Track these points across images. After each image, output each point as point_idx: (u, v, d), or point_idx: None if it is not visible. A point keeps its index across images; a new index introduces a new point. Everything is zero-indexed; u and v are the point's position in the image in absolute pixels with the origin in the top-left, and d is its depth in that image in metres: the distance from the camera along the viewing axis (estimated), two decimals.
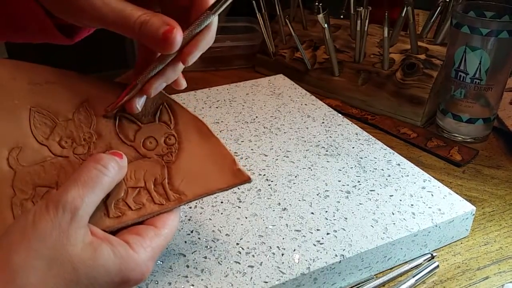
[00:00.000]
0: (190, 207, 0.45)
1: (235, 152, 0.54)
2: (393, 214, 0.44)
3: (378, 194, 0.47)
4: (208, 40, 0.34)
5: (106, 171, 0.31)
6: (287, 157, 0.53)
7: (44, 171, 0.33)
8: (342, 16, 0.82)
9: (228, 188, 0.34)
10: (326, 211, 0.44)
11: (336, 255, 0.39)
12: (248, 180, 0.34)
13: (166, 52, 0.31)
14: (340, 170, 0.51)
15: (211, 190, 0.34)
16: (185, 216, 0.44)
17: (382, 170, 0.51)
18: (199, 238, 0.41)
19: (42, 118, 0.34)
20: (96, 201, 0.30)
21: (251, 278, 0.37)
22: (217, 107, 0.64)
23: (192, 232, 0.42)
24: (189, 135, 0.35)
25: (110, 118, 0.35)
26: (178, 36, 0.31)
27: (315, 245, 0.40)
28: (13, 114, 0.33)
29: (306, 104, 0.65)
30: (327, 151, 0.54)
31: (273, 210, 0.44)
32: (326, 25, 0.69)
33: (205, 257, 0.39)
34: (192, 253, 0.40)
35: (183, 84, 0.37)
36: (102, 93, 0.35)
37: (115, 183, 0.32)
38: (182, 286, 0.36)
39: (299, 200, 0.46)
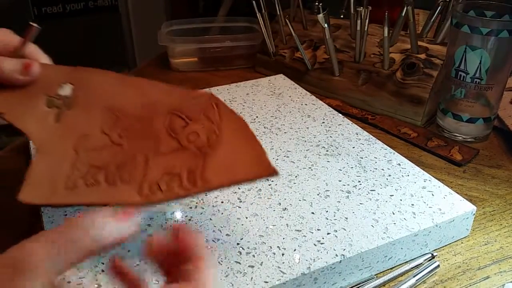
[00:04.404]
0: (191, 207, 0.45)
1: None
2: (393, 214, 0.44)
3: (378, 194, 0.47)
4: None
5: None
6: (287, 157, 0.53)
7: (100, 155, 0.38)
8: (342, 16, 0.82)
9: (253, 180, 0.36)
10: (327, 211, 0.44)
11: (336, 255, 0.39)
12: (274, 173, 0.36)
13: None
14: (341, 170, 0.51)
15: (237, 180, 0.36)
16: (186, 216, 0.44)
17: (383, 170, 0.51)
18: None
19: (111, 114, 0.40)
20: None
21: (252, 278, 0.37)
22: None
23: None
24: (229, 131, 0.38)
25: (165, 115, 0.40)
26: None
27: (315, 245, 0.40)
28: (90, 109, 0.40)
29: (306, 104, 0.65)
30: (327, 151, 0.54)
31: (274, 210, 0.44)
32: (326, 25, 0.69)
33: None
34: None
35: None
36: (163, 96, 0.40)
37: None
38: None
39: (299, 200, 0.46)
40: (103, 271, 0.38)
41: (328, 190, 0.47)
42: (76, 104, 0.41)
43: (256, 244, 0.40)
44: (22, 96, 0.42)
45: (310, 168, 0.51)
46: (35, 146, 0.39)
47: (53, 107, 0.41)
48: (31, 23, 0.41)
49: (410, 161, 0.52)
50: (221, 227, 0.42)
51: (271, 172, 0.36)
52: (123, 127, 0.40)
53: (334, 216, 0.44)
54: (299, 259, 0.39)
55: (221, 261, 0.39)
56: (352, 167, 0.51)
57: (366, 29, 0.69)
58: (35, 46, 0.43)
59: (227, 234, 0.42)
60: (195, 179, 0.36)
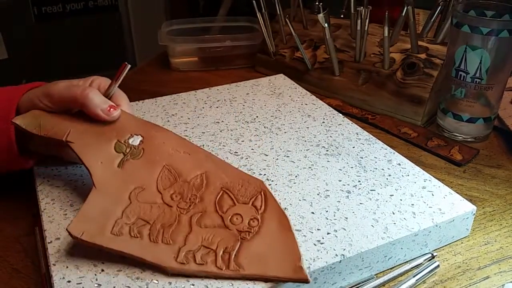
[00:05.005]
0: None
1: (235, 152, 0.54)
2: (393, 213, 0.44)
3: (378, 193, 0.47)
4: None
5: None
6: (287, 156, 0.53)
7: (150, 210, 0.41)
8: (342, 16, 0.82)
9: (283, 280, 0.37)
10: (327, 211, 0.44)
11: (336, 255, 0.39)
12: (305, 281, 0.36)
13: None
14: (341, 169, 0.51)
15: (267, 276, 0.37)
16: None
17: (383, 169, 0.51)
18: None
19: (168, 174, 0.44)
20: None
21: None
22: (217, 107, 0.64)
23: None
24: (270, 223, 0.40)
25: (217, 190, 0.43)
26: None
27: (315, 244, 0.40)
28: (152, 165, 0.44)
29: (306, 104, 0.65)
30: (327, 150, 0.54)
31: None
32: (326, 25, 0.69)
33: None
34: None
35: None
36: (218, 171, 0.44)
37: None
38: (183, 286, 0.36)
39: (299, 200, 0.46)
40: (103, 270, 0.38)
41: (328, 190, 0.47)
42: (141, 156, 0.45)
43: None
44: (96, 133, 0.46)
45: (310, 168, 0.51)
46: (94, 183, 0.42)
47: (120, 153, 0.45)
48: (125, 63, 0.46)
49: (410, 161, 0.52)
50: None
51: (301, 277, 0.36)
52: (177, 190, 0.42)
53: (334, 216, 0.44)
54: None
55: None
56: (352, 167, 0.51)
57: (366, 28, 0.69)
58: (123, 93, 0.49)
59: None
60: (229, 260, 0.37)
